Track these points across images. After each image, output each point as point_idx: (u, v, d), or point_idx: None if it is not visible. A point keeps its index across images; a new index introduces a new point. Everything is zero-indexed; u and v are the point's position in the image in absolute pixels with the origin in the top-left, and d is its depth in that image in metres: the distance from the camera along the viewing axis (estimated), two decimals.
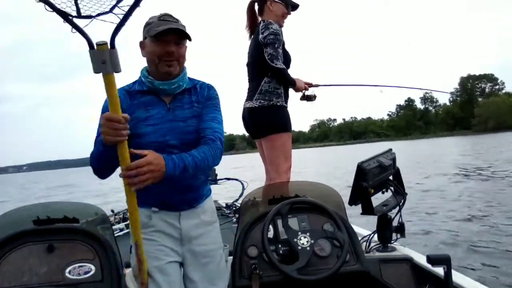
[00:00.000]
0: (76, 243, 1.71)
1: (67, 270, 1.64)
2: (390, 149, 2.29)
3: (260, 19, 2.89)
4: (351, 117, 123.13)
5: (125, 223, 3.33)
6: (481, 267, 4.24)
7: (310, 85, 3.04)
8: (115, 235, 2.27)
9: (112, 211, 3.69)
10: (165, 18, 1.52)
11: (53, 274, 1.61)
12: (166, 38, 1.48)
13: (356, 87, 3.61)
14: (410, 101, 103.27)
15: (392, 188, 2.21)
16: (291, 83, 2.85)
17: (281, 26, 2.83)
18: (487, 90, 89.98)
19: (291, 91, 2.92)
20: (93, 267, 1.66)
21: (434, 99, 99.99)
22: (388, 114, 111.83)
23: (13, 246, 1.63)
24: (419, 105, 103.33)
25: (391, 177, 2.27)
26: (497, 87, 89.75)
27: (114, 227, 3.02)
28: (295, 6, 2.91)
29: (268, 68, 2.69)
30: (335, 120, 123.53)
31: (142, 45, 1.54)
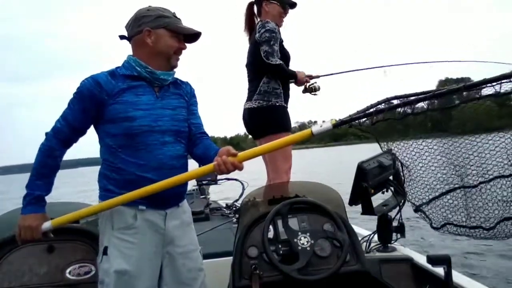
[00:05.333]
0: (76, 243, 1.71)
1: (68, 271, 1.64)
2: (390, 149, 2.29)
3: (258, 20, 2.90)
4: (331, 119, 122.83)
5: None
6: (482, 267, 4.24)
7: (311, 77, 3.03)
8: None
9: None
10: (176, 15, 1.62)
11: (53, 275, 1.61)
12: (181, 36, 1.60)
13: (359, 72, 3.39)
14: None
15: (392, 188, 2.21)
16: (292, 76, 2.85)
17: (279, 26, 2.83)
18: (464, 93, 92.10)
19: (291, 91, 2.91)
20: (93, 268, 1.66)
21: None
22: None
23: (14, 246, 1.64)
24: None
25: (391, 177, 2.27)
26: (474, 91, 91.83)
27: None
28: (292, 4, 2.91)
29: (265, 66, 2.69)
30: (315, 122, 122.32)
31: (149, 34, 1.55)
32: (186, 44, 1.64)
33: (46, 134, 1.53)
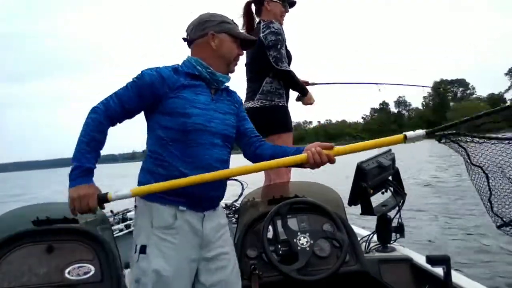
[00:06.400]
0: (76, 244, 1.71)
1: (67, 271, 1.64)
2: (390, 150, 2.29)
3: (258, 19, 2.89)
4: (326, 120, 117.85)
5: (125, 223, 3.33)
6: (481, 268, 4.24)
7: (307, 84, 3.03)
8: (115, 235, 2.27)
9: (112, 211, 3.69)
10: (234, 22, 1.68)
11: (53, 275, 1.60)
12: (239, 42, 1.64)
13: (354, 85, 3.57)
14: (384, 105, 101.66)
15: (391, 188, 2.21)
16: (301, 88, 2.85)
17: (281, 24, 2.83)
18: (458, 94, 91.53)
19: (291, 91, 2.91)
20: (92, 268, 1.66)
21: (407, 103, 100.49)
22: (362, 117, 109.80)
23: (13, 246, 1.63)
24: (393, 108, 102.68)
25: (390, 178, 2.27)
26: (468, 91, 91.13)
27: (113, 227, 3.02)
28: (292, 3, 2.91)
29: (274, 71, 2.69)
30: (310, 122, 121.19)
31: (213, 37, 1.59)
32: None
33: (95, 108, 1.49)
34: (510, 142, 1.44)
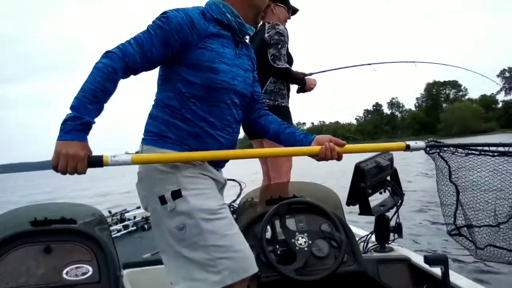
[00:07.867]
0: (74, 244, 1.70)
1: (65, 271, 1.63)
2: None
3: (261, 22, 2.89)
4: (320, 121, 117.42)
5: (123, 224, 3.32)
6: (479, 268, 4.25)
7: (303, 75, 3.03)
8: (113, 236, 2.27)
9: (110, 212, 3.69)
10: None
11: (51, 275, 1.60)
12: None
13: (349, 68, 3.49)
14: (377, 106, 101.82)
15: (389, 188, 2.22)
16: (299, 81, 2.86)
17: None
18: (451, 96, 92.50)
19: (291, 91, 2.92)
20: (90, 268, 1.66)
21: (401, 104, 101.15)
22: (355, 119, 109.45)
23: (10, 247, 1.63)
24: (386, 110, 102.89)
25: (388, 178, 2.27)
26: (460, 93, 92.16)
27: (111, 228, 3.01)
28: (295, 11, 2.93)
29: (271, 69, 2.69)
30: (304, 124, 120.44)
31: None
32: None
33: (109, 53, 1.26)
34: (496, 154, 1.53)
